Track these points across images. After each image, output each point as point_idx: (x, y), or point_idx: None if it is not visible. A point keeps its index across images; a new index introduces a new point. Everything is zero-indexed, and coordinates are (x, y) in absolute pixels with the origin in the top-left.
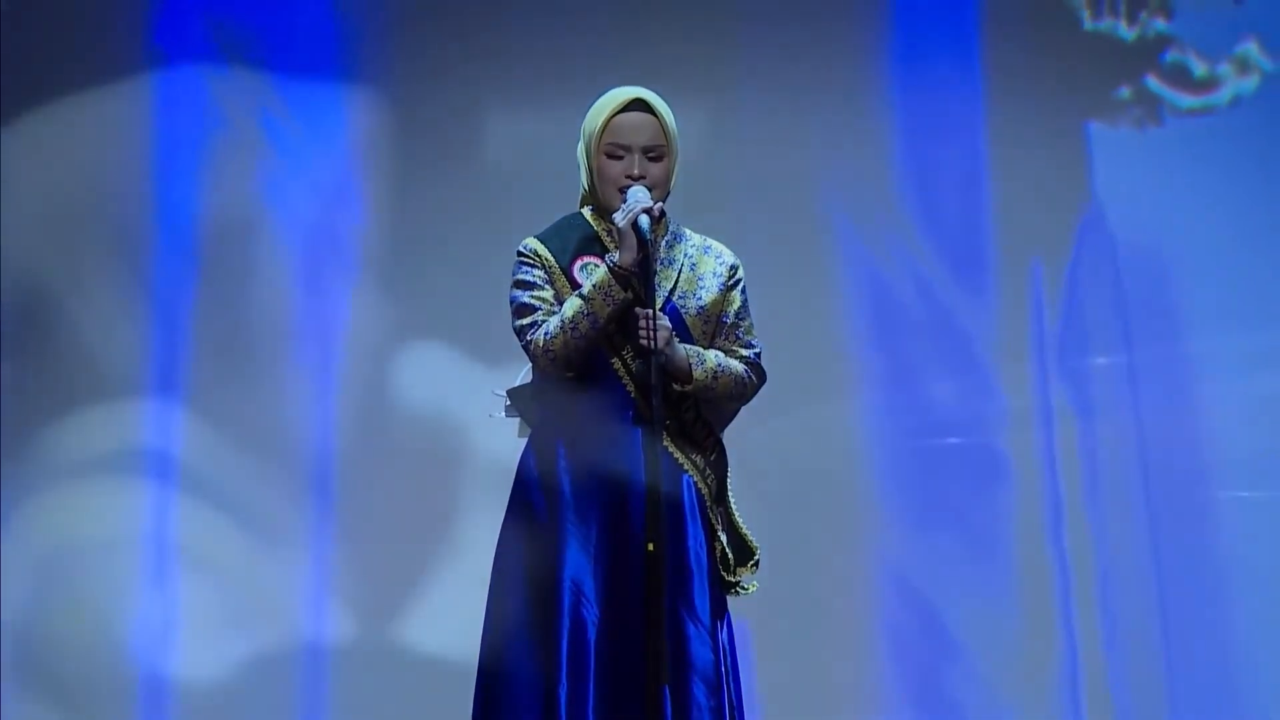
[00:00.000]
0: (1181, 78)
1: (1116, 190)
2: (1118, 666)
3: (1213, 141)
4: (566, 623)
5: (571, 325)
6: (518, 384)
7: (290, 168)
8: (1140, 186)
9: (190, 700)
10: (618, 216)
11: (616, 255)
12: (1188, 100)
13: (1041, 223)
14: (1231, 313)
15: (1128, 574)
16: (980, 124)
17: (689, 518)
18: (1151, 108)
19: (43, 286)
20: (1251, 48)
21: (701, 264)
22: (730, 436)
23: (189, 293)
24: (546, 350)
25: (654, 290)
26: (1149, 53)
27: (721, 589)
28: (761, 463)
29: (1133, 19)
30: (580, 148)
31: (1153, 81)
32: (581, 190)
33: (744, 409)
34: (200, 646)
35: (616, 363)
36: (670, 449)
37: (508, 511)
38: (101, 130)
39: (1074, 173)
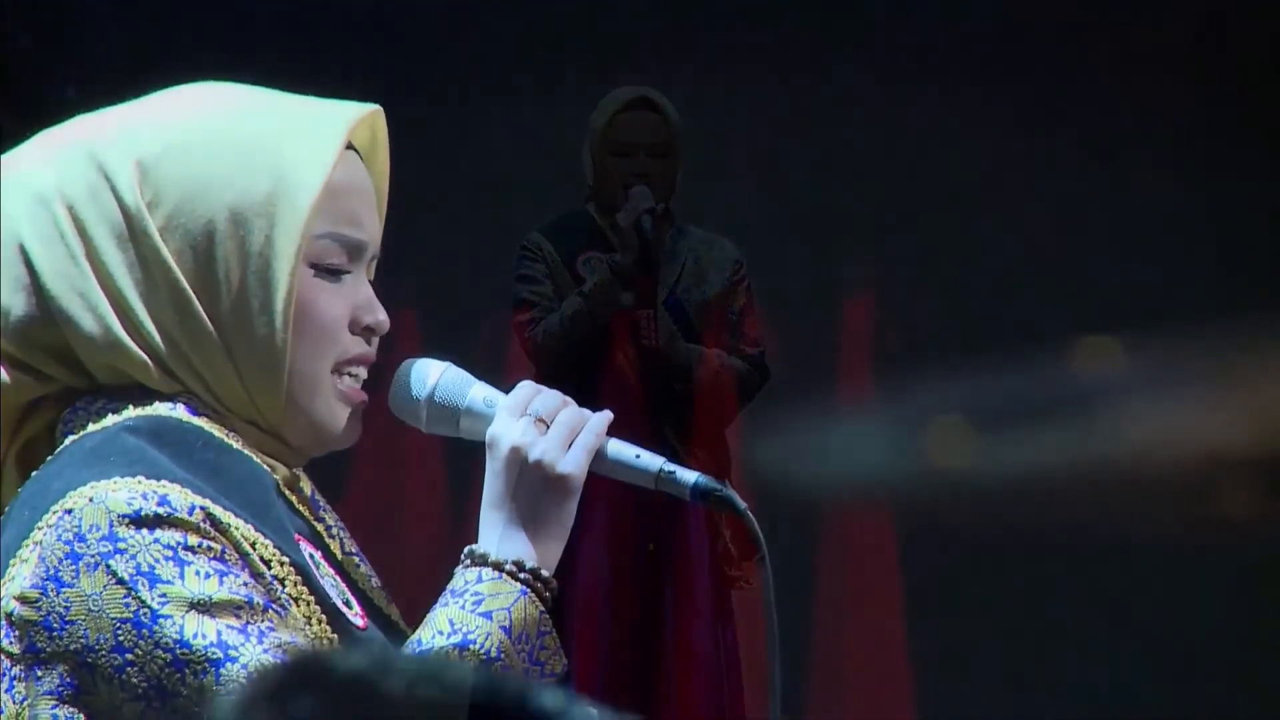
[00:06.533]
0: None
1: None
2: (1132, 671)
3: None
4: (570, 622)
5: (571, 322)
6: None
7: None
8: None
9: None
10: (621, 216)
11: (619, 255)
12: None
13: (1061, 222)
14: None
15: (1142, 570)
16: (1004, 122)
17: (691, 514)
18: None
19: None
20: None
21: (705, 259)
22: (736, 436)
23: None
24: (545, 346)
25: (655, 289)
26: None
27: (725, 585)
28: (765, 461)
29: None
30: (586, 145)
31: None
32: (587, 187)
33: (748, 409)
34: None
35: (619, 359)
36: (673, 445)
37: None
38: None
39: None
